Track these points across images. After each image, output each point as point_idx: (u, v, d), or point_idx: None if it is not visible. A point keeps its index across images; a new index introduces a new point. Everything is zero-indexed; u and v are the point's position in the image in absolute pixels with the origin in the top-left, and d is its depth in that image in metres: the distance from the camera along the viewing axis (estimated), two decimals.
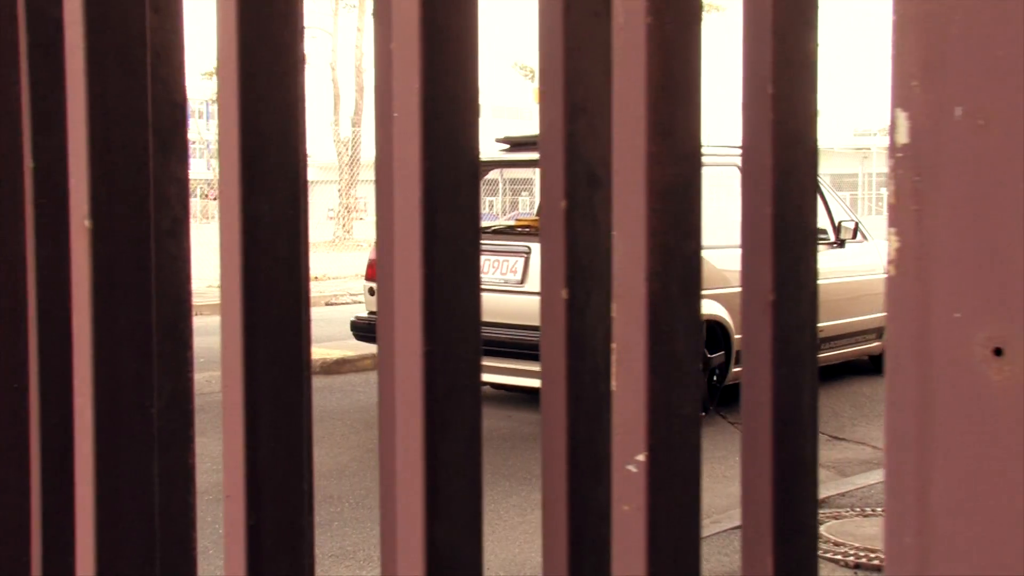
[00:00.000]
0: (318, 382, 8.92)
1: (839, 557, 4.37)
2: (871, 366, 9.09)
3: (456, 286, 0.96)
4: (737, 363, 7.47)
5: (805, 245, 0.95)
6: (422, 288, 0.92)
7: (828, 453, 6.61)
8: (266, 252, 1.01)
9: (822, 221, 8.63)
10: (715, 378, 7.40)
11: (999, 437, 0.70)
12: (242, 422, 1.00)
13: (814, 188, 0.95)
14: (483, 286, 0.98)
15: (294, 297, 1.04)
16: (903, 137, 0.72)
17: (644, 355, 0.84)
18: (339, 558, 4.89)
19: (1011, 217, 0.68)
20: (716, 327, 7.27)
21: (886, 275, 0.73)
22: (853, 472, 6.04)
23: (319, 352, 9.59)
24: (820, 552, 4.43)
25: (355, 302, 12.87)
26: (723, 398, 7.54)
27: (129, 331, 1.13)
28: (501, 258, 7.25)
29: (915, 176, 0.72)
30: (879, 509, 5.04)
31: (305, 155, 1.05)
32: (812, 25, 0.93)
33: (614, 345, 0.85)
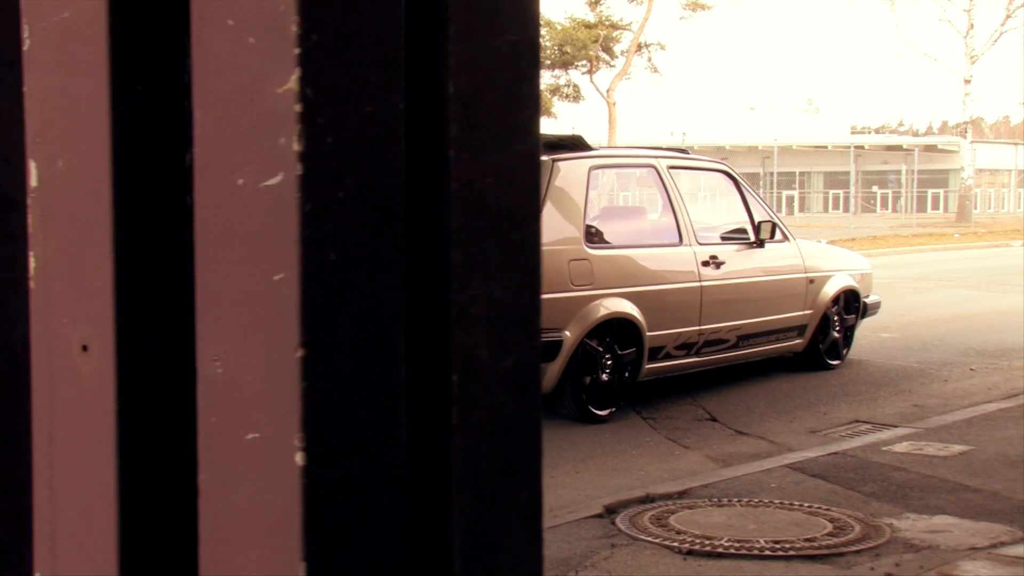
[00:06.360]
0: None
1: (675, 544, 4.57)
2: (795, 363, 9.27)
3: None
4: (650, 359, 7.65)
5: None
6: None
7: (725, 447, 6.80)
8: None
9: (742, 221, 8.81)
10: (627, 374, 7.55)
11: (88, 416, 0.90)
12: None
13: None
14: None
15: None
16: (34, 181, 0.92)
17: None
18: None
19: (92, 241, 0.89)
20: (627, 324, 7.40)
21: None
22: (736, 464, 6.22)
23: None
24: (658, 540, 4.62)
25: None
26: (637, 394, 7.75)
27: None
28: None
29: (41, 211, 0.92)
30: (736, 499, 5.23)
31: None
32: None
33: None
